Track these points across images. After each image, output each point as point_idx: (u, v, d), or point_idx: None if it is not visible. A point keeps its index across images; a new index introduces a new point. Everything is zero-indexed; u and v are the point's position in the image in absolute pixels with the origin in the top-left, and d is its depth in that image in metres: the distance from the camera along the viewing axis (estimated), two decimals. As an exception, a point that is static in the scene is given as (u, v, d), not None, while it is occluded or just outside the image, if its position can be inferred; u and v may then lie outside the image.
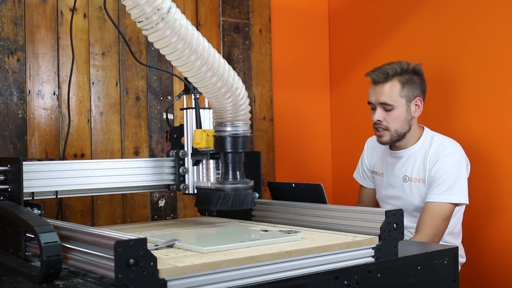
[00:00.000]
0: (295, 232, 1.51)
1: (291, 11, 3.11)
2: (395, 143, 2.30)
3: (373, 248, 1.44)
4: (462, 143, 2.28)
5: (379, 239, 1.45)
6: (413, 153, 2.28)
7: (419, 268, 1.49)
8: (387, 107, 2.23)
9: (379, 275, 1.42)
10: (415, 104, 2.26)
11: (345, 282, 1.36)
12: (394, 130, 2.25)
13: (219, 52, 2.63)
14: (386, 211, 1.45)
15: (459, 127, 2.56)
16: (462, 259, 2.30)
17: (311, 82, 3.18)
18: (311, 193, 2.06)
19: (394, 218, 1.46)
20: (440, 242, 2.18)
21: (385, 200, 2.38)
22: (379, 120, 2.25)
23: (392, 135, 2.25)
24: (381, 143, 2.30)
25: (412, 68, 2.26)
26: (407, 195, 2.27)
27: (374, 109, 2.27)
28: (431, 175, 2.19)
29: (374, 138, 2.39)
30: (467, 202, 2.18)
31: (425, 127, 2.33)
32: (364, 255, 1.43)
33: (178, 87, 2.65)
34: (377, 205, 2.50)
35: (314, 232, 1.58)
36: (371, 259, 1.44)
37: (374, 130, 2.30)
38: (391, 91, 2.23)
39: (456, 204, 2.18)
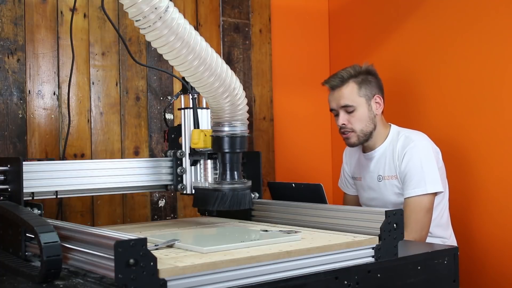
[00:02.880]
0: (295, 232, 1.51)
1: (291, 11, 3.11)
2: (363, 144, 2.35)
3: (373, 248, 1.44)
4: (438, 137, 2.31)
5: (379, 239, 1.45)
6: (383, 152, 2.31)
7: (419, 268, 1.50)
8: (349, 109, 2.28)
9: (379, 275, 1.42)
10: (375, 102, 2.31)
11: (345, 282, 1.36)
12: (360, 130, 2.29)
13: (219, 52, 2.64)
14: (386, 211, 1.45)
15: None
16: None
17: (311, 82, 3.17)
18: (311, 193, 2.06)
19: (394, 218, 1.47)
20: (429, 236, 2.19)
21: (366, 202, 2.42)
22: (344, 124, 2.29)
23: (359, 136, 2.30)
24: (350, 145, 2.35)
25: (365, 69, 2.33)
26: (383, 194, 2.30)
27: (337, 115, 2.33)
28: (401, 170, 2.22)
29: None
30: (442, 190, 2.20)
31: (392, 124, 2.36)
32: (364, 255, 1.43)
33: (178, 87, 2.65)
34: None
35: (314, 232, 1.58)
36: (371, 259, 1.44)
37: (341, 135, 2.35)
38: (350, 92, 2.28)
39: (434, 194, 2.19)
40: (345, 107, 2.28)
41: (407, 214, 2.15)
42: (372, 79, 2.32)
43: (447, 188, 2.30)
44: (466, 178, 2.51)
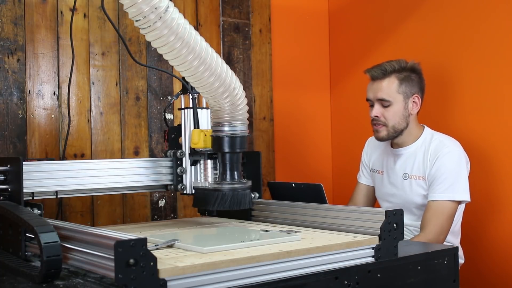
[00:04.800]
0: (295, 232, 1.51)
1: (291, 11, 3.11)
2: (392, 140, 2.33)
3: (373, 248, 1.44)
4: (461, 141, 2.28)
5: (379, 239, 1.45)
6: (413, 151, 2.29)
7: (419, 268, 1.49)
8: (384, 103, 2.26)
9: (379, 275, 1.42)
10: (413, 101, 2.28)
11: (345, 282, 1.36)
12: (391, 126, 2.27)
13: (219, 52, 2.64)
14: (386, 211, 1.45)
15: (458, 126, 2.56)
16: (460, 260, 2.30)
17: (311, 82, 3.17)
18: (311, 193, 2.06)
19: (394, 218, 1.46)
20: None
21: (385, 198, 2.39)
22: (376, 116, 2.27)
23: (389, 131, 2.28)
24: (378, 139, 2.32)
25: (411, 66, 2.29)
26: (406, 193, 2.28)
27: (372, 105, 2.30)
28: (431, 173, 2.20)
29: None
30: (469, 199, 2.20)
31: (425, 126, 2.34)
32: (364, 255, 1.43)
33: (178, 87, 2.65)
34: (369, 202, 2.50)
35: (314, 232, 1.58)
36: (371, 259, 1.44)
37: (372, 126, 2.32)
38: (389, 87, 2.25)
39: (459, 202, 2.19)
40: (381, 100, 2.25)
41: (428, 217, 2.15)
42: (415, 77, 2.29)
43: None
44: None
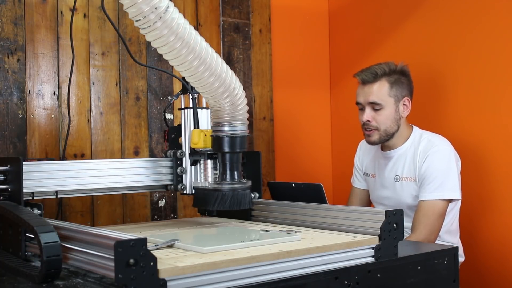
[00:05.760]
0: (295, 232, 1.51)
1: (291, 11, 3.11)
2: (384, 143, 2.32)
3: (373, 248, 1.44)
4: (454, 141, 2.29)
5: (379, 239, 1.45)
6: (403, 152, 2.29)
7: (419, 268, 1.49)
8: (376, 107, 2.25)
9: (379, 275, 1.42)
10: (403, 104, 2.28)
11: (345, 282, 1.36)
12: (383, 130, 2.26)
13: (219, 52, 2.64)
14: (386, 211, 1.45)
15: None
16: (460, 258, 2.30)
17: (311, 82, 3.17)
18: (311, 193, 2.06)
19: (394, 218, 1.46)
20: (438, 241, 2.19)
21: (378, 201, 2.40)
22: (368, 121, 2.27)
23: (381, 135, 2.27)
24: (370, 143, 2.31)
25: (400, 69, 2.29)
26: (398, 195, 2.28)
27: (362, 109, 2.29)
28: (421, 173, 2.21)
29: None
30: (460, 197, 2.20)
31: (414, 126, 2.35)
32: (364, 255, 1.43)
33: (178, 87, 2.65)
34: (364, 206, 2.50)
35: (314, 232, 1.58)
36: (371, 259, 1.44)
37: (362, 130, 2.31)
38: (380, 90, 2.25)
39: (450, 200, 2.19)
40: (373, 104, 2.25)
41: (418, 217, 2.15)
42: (404, 80, 2.29)
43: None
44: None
